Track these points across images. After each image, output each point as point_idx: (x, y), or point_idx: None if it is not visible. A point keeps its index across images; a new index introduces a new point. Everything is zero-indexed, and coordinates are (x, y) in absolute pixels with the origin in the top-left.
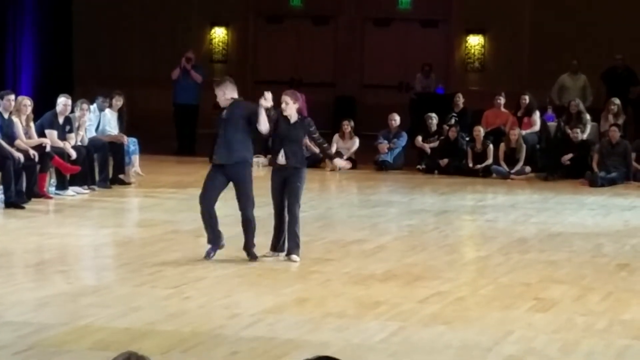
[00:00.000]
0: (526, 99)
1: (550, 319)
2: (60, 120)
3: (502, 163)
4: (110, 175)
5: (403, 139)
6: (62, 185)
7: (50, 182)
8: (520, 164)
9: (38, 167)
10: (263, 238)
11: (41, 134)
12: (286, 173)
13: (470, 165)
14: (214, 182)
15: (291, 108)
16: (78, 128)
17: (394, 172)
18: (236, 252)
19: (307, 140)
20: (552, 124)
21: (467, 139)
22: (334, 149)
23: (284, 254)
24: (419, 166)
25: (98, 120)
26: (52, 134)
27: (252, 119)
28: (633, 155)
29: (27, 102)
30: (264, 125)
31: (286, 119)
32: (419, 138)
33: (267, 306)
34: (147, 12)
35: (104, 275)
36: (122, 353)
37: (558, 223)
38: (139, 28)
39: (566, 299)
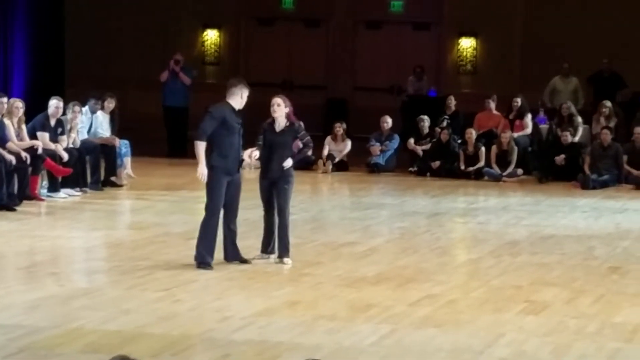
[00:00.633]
0: (518, 101)
1: (542, 321)
2: (52, 122)
3: (494, 165)
4: (102, 178)
5: (395, 142)
6: (53, 187)
7: (42, 185)
8: (512, 166)
9: (30, 169)
10: (255, 240)
11: (33, 136)
12: (275, 178)
13: (462, 167)
14: None
15: (282, 111)
16: (70, 130)
17: (386, 175)
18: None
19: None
20: (544, 127)
21: (459, 141)
22: (325, 152)
23: (274, 255)
24: (411, 168)
25: (90, 122)
26: (43, 137)
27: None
28: (625, 157)
29: (19, 105)
30: None
31: (272, 128)
32: (411, 140)
33: (258, 309)
34: (139, 14)
35: (95, 278)
36: (113, 356)
37: (550, 225)
38: (131, 30)
39: (557, 301)
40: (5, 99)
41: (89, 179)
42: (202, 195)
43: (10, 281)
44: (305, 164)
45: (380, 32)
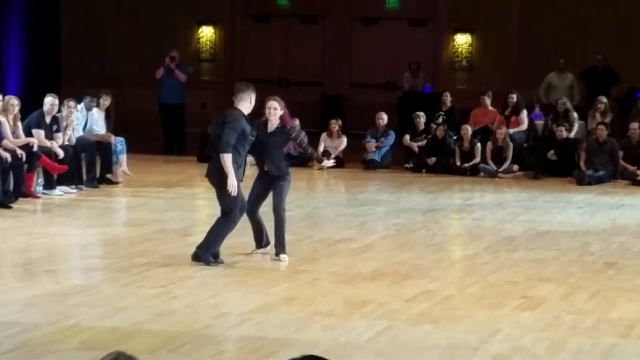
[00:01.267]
0: (514, 97)
1: (538, 317)
2: (48, 119)
3: (490, 162)
4: (98, 175)
5: (391, 138)
6: (49, 184)
7: (37, 182)
8: (508, 162)
9: (25, 166)
10: (252, 237)
11: (28, 134)
12: (270, 178)
13: (458, 163)
14: None
15: (277, 114)
16: (65, 127)
17: (381, 171)
18: (223, 251)
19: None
20: (539, 123)
21: (455, 137)
22: (321, 148)
23: (267, 248)
24: (406, 165)
25: (85, 119)
26: (39, 134)
27: None
28: (620, 153)
29: (14, 102)
30: None
31: (265, 128)
32: (407, 137)
33: (254, 305)
34: (134, 11)
35: (92, 275)
36: (110, 353)
37: (545, 221)
38: (126, 27)
39: (553, 297)
40: (0, 97)
41: (84, 176)
42: (198, 192)
43: (6, 278)
44: (301, 161)
45: (376, 28)
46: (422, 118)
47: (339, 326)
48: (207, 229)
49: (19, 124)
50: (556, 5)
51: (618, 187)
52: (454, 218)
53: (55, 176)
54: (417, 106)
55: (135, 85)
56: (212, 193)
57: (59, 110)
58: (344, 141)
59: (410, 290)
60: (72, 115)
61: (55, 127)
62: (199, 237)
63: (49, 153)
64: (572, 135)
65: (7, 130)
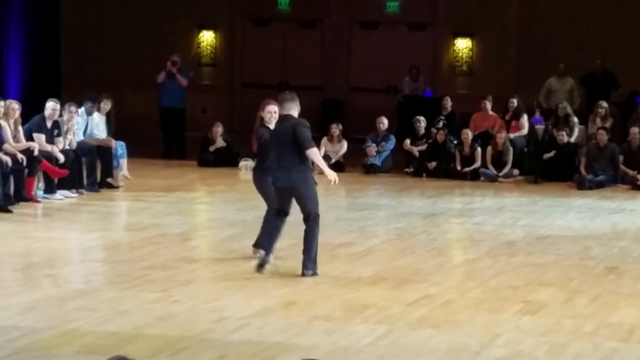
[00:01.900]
0: (514, 102)
1: (538, 321)
2: (49, 124)
3: (490, 166)
4: (99, 179)
5: (391, 142)
6: (50, 189)
7: (38, 186)
8: (508, 166)
9: (26, 171)
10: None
11: (29, 138)
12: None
13: (459, 168)
14: None
15: (277, 117)
16: (66, 132)
17: (382, 175)
18: (224, 255)
19: None
20: (539, 127)
21: (455, 142)
22: (322, 153)
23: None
24: (407, 169)
25: (86, 124)
26: (40, 138)
27: None
28: (621, 158)
29: (15, 106)
30: None
31: (268, 129)
32: (407, 141)
33: (255, 309)
34: (134, 15)
35: (92, 279)
36: (110, 357)
37: (546, 226)
38: (126, 31)
39: (554, 301)
40: (1, 103)
41: (85, 181)
42: (198, 196)
43: (6, 283)
44: None
45: (376, 32)
46: (422, 122)
47: (339, 330)
48: (207, 232)
49: (20, 128)
50: (555, 9)
51: (618, 191)
52: (455, 222)
53: (56, 180)
54: (418, 110)
55: (136, 89)
56: (211, 197)
57: (60, 115)
58: (344, 145)
59: (410, 295)
60: (73, 120)
61: (56, 132)
62: (200, 241)
63: (50, 157)
64: (572, 139)
65: (8, 134)
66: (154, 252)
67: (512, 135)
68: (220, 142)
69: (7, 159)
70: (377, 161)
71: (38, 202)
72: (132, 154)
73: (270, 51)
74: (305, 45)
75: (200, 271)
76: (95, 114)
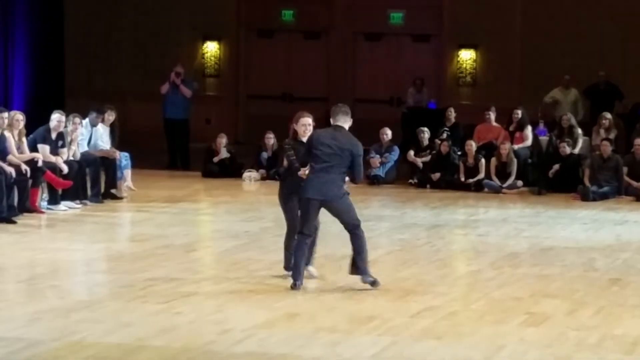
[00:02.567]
0: (519, 113)
1: (542, 333)
2: (53, 135)
3: (494, 177)
4: (103, 190)
5: (395, 153)
6: (54, 200)
7: (42, 197)
8: (512, 178)
9: (30, 182)
10: (255, 252)
11: (33, 149)
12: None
13: (462, 179)
14: None
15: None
16: (70, 143)
17: (386, 187)
18: (227, 267)
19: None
20: (543, 139)
21: (459, 153)
22: None
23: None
24: (411, 180)
25: (90, 134)
26: (44, 149)
27: None
28: (625, 169)
29: (19, 117)
30: None
31: (302, 144)
32: (411, 152)
33: (258, 321)
34: (138, 26)
35: (96, 291)
36: None
37: (550, 237)
38: (130, 42)
39: (558, 313)
40: (6, 114)
41: (89, 192)
42: (202, 207)
43: (10, 294)
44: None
45: (380, 44)
46: (426, 133)
47: (343, 342)
48: (211, 244)
49: (24, 139)
50: (559, 21)
51: (622, 203)
52: (458, 234)
53: (60, 191)
54: (421, 122)
55: (140, 101)
56: (215, 208)
57: (65, 126)
58: None
59: (414, 306)
60: (77, 131)
61: (60, 143)
62: (204, 253)
63: (54, 168)
64: (576, 151)
65: (12, 145)
66: (158, 263)
67: (516, 147)
68: (224, 153)
69: (11, 170)
70: (381, 172)
71: (42, 213)
72: (136, 165)
73: (275, 62)
74: (309, 56)
75: (204, 282)
76: (100, 125)
